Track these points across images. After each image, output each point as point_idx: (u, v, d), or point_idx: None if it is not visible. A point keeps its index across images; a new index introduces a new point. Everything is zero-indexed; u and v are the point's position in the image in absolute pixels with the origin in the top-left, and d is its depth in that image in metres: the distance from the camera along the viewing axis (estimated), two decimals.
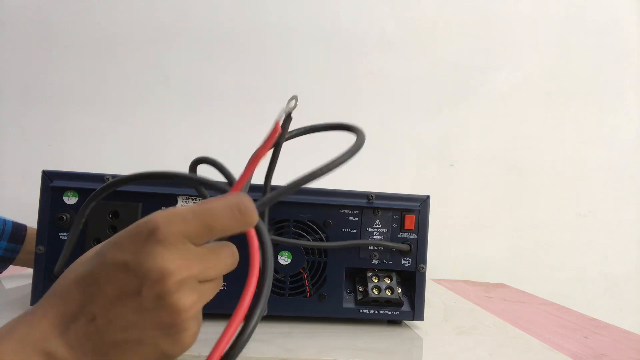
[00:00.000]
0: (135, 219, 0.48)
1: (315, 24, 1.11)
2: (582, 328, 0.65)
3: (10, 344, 0.26)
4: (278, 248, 0.52)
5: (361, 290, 0.53)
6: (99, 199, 0.36)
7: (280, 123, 0.30)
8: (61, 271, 0.48)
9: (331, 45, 1.11)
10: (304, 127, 0.38)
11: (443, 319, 0.61)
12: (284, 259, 0.52)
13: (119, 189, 0.50)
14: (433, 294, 0.80)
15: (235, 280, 0.47)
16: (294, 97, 0.30)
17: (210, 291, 0.28)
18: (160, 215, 0.26)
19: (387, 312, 0.54)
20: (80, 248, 0.49)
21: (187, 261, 0.26)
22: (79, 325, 0.26)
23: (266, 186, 0.37)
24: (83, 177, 0.50)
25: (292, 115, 0.31)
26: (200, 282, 0.27)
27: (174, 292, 0.25)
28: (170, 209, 0.27)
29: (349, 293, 0.54)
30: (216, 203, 0.27)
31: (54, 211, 0.49)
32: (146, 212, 0.50)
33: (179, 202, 0.51)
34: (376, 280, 0.53)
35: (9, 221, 0.64)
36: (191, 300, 0.26)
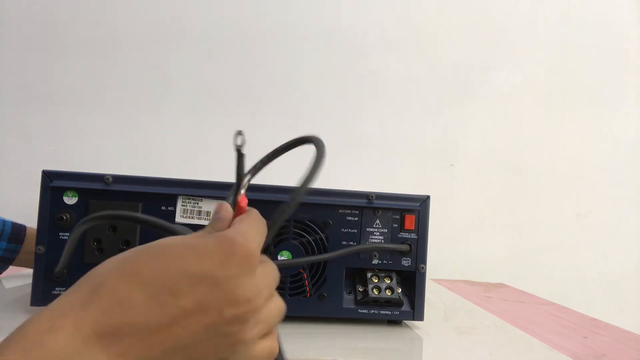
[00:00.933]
0: None
1: (315, 24, 1.11)
2: (582, 328, 0.65)
3: None
4: (278, 248, 0.52)
5: (361, 290, 0.53)
6: (93, 223, 0.35)
7: (245, 202, 0.31)
8: (62, 272, 0.48)
9: (331, 45, 1.11)
10: (266, 156, 0.37)
11: (443, 319, 0.61)
12: (284, 259, 0.52)
13: (119, 189, 0.50)
14: (433, 294, 0.80)
15: None
16: (240, 132, 0.30)
17: (275, 316, 0.29)
18: (252, 242, 0.26)
19: (387, 312, 0.54)
20: (80, 248, 0.49)
21: (262, 286, 0.27)
22: (136, 339, 0.23)
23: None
24: (83, 177, 0.50)
25: (244, 151, 0.30)
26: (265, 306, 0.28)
27: (248, 318, 0.25)
28: (249, 232, 0.27)
29: (349, 293, 0.54)
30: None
31: (54, 211, 0.49)
32: (146, 211, 0.50)
33: (179, 202, 0.51)
34: (376, 280, 0.53)
35: (8, 221, 0.64)
36: (256, 328, 0.27)
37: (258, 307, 0.26)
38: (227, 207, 0.30)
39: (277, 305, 0.29)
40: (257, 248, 0.27)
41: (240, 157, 0.31)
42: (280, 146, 0.35)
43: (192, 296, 0.24)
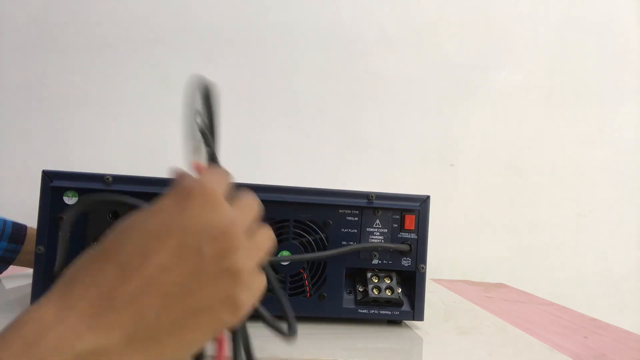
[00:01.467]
0: None
1: (315, 24, 1.11)
2: (582, 328, 0.65)
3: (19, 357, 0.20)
4: (278, 248, 0.52)
5: (361, 290, 0.53)
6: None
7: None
8: (61, 271, 0.48)
9: (331, 45, 1.11)
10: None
11: (443, 319, 0.61)
12: (284, 257, 0.52)
13: (119, 189, 0.50)
14: (433, 294, 0.80)
15: None
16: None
17: (263, 243, 0.28)
18: (208, 181, 0.25)
19: (387, 312, 0.54)
20: (80, 247, 0.49)
21: (236, 216, 0.25)
22: (122, 308, 0.22)
23: None
24: (83, 177, 0.50)
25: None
26: (250, 236, 0.27)
27: (234, 249, 0.24)
28: (203, 176, 0.26)
29: (349, 293, 0.54)
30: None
31: (54, 211, 0.49)
32: None
33: None
34: (376, 280, 0.53)
35: (8, 221, 0.64)
36: (249, 259, 0.26)
37: (238, 235, 0.25)
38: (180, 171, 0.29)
39: (264, 232, 0.28)
40: (217, 186, 0.25)
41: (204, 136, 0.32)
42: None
43: (164, 250, 0.23)
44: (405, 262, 0.54)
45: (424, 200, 0.55)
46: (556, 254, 1.13)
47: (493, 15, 1.15)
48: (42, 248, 0.49)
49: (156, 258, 0.23)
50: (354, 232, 0.54)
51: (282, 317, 0.32)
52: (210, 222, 0.24)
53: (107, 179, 0.50)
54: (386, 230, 0.54)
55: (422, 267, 0.54)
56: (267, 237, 0.28)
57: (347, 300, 0.54)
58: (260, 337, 0.34)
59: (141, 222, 0.24)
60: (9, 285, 0.65)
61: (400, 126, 1.12)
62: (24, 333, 0.21)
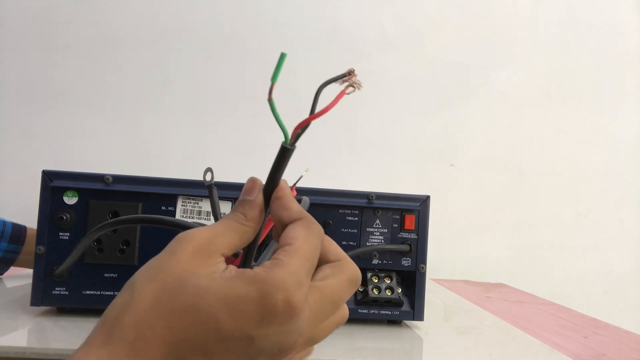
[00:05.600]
0: None
1: (315, 24, 1.11)
2: (582, 328, 0.65)
3: None
4: None
5: (361, 290, 0.53)
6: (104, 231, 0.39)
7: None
8: (63, 273, 0.48)
9: (331, 45, 1.11)
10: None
11: (443, 319, 0.61)
12: None
13: (119, 189, 0.50)
14: (433, 294, 0.80)
15: None
16: (209, 170, 0.31)
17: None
18: (299, 293, 0.23)
19: (387, 312, 0.54)
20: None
21: (310, 332, 0.25)
22: None
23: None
24: (83, 177, 0.50)
25: (214, 186, 0.32)
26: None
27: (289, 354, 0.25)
28: (296, 277, 0.24)
29: None
30: (337, 279, 0.27)
31: (54, 211, 0.49)
32: (146, 211, 0.50)
33: (179, 202, 0.51)
34: (376, 280, 0.53)
35: (8, 222, 0.64)
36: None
37: (297, 347, 0.25)
38: (258, 186, 0.27)
39: (329, 326, 0.27)
40: (305, 295, 0.24)
41: (211, 191, 0.33)
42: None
43: (223, 354, 0.23)
44: (405, 262, 0.54)
45: (424, 200, 0.55)
46: (556, 254, 1.13)
47: (493, 15, 1.15)
48: (42, 248, 0.49)
49: (213, 358, 0.23)
50: (354, 232, 0.54)
51: None
52: (279, 343, 0.24)
53: (107, 179, 0.50)
54: (386, 230, 0.54)
55: (422, 267, 0.54)
56: (328, 331, 0.27)
57: (347, 300, 0.54)
58: None
59: (213, 315, 0.22)
60: (9, 284, 0.65)
61: (400, 126, 1.12)
62: None
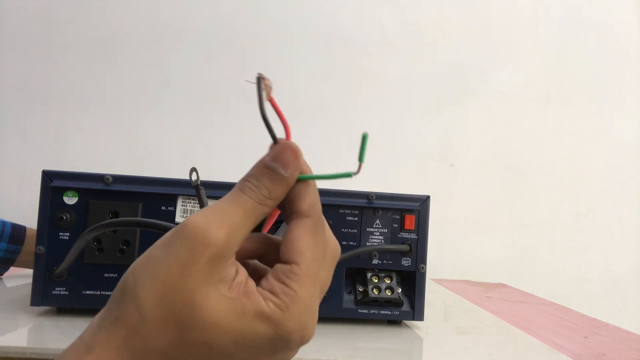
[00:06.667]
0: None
1: (315, 24, 1.11)
2: (582, 328, 0.65)
3: None
4: None
5: (361, 290, 0.53)
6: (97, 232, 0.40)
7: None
8: (63, 273, 0.48)
9: (331, 45, 1.11)
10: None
11: (443, 319, 0.61)
12: None
13: (118, 189, 0.50)
14: (433, 294, 0.80)
15: None
16: (194, 170, 0.32)
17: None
18: (311, 327, 0.23)
19: (387, 312, 0.54)
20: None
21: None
22: None
23: None
24: (83, 177, 0.50)
25: (201, 186, 0.33)
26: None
27: None
28: (309, 311, 0.23)
29: (349, 293, 0.54)
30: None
31: (54, 211, 0.49)
32: (146, 211, 0.50)
33: (179, 202, 0.51)
34: (376, 280, 0.53)
35: (7, 223, 0.64)
36: None
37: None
38: (299, 159, 0.24)
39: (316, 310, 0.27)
40: (314, 325, 0.24)
41: (198, 190, 0.34)
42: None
43: None
44: (405, 262, 0.54)
45: (424, 200, 0.55)
46: (556, 254, 1.13)
47: (493, 15, 1.15)
48: (42, 248, 0.49)
49: None
50: (354, 232, 0.54)
51: None
52: (283, 357, 0.25)
53: (107, 179, 0.50)
54: (386, 230, 0.54)
55: (422, 267, 0.54)
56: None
57: (347, 300, 0.54)
58: None
59: (229, 354, 0.22)
60: (9, 284, 0.65)
61: (400, 126, 1.12)
62: None
